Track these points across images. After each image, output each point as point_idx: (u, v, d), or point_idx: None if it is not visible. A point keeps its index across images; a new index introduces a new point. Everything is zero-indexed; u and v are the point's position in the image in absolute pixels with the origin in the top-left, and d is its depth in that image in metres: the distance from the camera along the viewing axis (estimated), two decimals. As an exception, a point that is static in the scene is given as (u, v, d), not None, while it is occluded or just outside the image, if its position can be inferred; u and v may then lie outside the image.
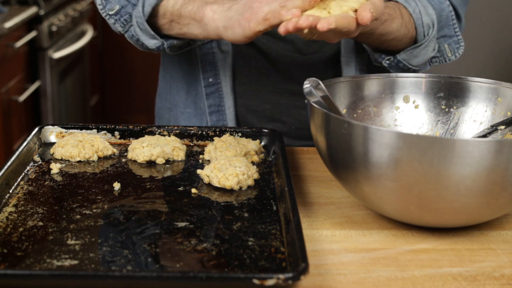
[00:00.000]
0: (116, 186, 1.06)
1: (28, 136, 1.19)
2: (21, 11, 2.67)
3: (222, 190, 1.06)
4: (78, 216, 0.96)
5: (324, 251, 0.92)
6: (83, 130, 1.24)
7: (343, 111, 1.12)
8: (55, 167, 1.12)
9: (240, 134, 1.24)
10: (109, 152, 1.18)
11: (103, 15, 1.30)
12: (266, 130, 1.23)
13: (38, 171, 1.11)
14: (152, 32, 1.24)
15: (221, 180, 1.06)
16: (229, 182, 1.05)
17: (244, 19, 1.06)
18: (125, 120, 3.97)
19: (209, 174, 1.07)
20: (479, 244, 0.95)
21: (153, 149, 1.15)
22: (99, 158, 1.17)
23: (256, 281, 0.78)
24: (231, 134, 1.23)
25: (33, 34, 2.75)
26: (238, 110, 1.40)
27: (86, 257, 0.85)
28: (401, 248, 0.94)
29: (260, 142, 1.22)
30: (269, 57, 1.36)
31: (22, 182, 1.07)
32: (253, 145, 1.18)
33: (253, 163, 1.15)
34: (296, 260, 0.82)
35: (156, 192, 1.05)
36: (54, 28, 2.91)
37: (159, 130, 1.24)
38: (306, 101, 1.03)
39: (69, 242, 0.89)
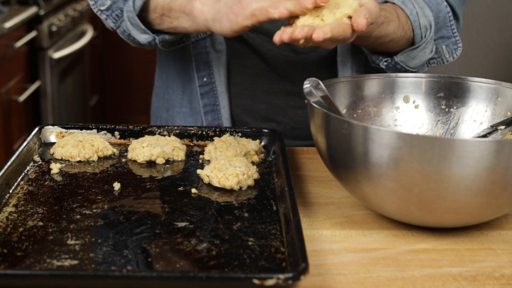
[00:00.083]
0: (116, 186, 1.06)
1: (28, 136, 1.19)
2: (21, 11, 2.67)
3: (222, 190, 1.06)
4: (78, 216, 0.96)
5: (324, 251, 0.92)
6: (83, 130, 1.24)
7: (343, 111, 1.12)
8: (55, 167, 1.12)
9: (240, 134, 1.24)
10: (109, 152, 1.18)
11: (95, 10, 1.31)
12: (266, 130, 1.23)
13: (38, 171, 1.11)
14: (143, 27, 1.24)
15: (221, 180, 1.06)
16: (229, 182, 1.05)
17: (232, 12, 1.06)
18: (125, 120, 3.97)
19: (209, 174, 1.07)
20: (479, 244, 0.95)
21: (153, 149, 1.15)
22: (99, 158, 1.17)
23: (256, 281, 0.78)
24: (231, 134, 1.23)
25: (33, 34, 2.75)
26: (233, 110, 1.40)
27: (86, 257, 0.85)
28: (401, 248, 0.94)
29: (260, 142, 1.22)
30: (264, 56, 1.36)
31: (22, 182, 1.07)
32: (253, 145, 1.18)
33: (253, 163, 1.15)
34: (296, 260, 0.82)
35: (156, 192, 1.05)
36: (54, 28, 2.91)
37: (159, 130, 1.24)
38: (306, 101, 1.03)
39: (69, 242, 0.89)
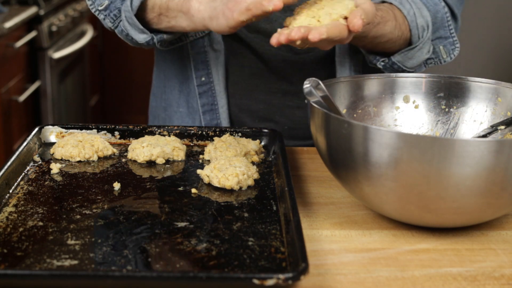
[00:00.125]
0: (116, 186, 1.06)
1: (28, 136, 1.19)
2: (21, 11, 2.67)
3: (222, 190, 1.06)
4: (78, 216, 0.96)
5: (324, 251, 0.92)
6: (83, 130, 1.24)
7: (343, 111, 1.12)
8: (55, 167, 1.12)
9: (240, 134, 1.23)
10: (109, 152, 1.18)
11: (93, 10, 1.31)
12: (266, 130, 1.23)
13: (38, 171, 1.11)
14: (141, 27, 1.24)
15: (221, 180, 1.05)
16: (229, 182, 1.05)
17: (227, 9, 1.07)
18: (125, 120, 3.97)
19: (209, 174, 1.07)
20: (479, 244, 0.95)
21: (153, 149, 1.15)
22: (99, 158, 1.17)
23: (256, 281, 0.78)
24: (231, 134, 1.23)
25: (33, 34, 2.75)
26: (231, 110, 1.40)
27: (86, 257, 0.85)
28: (401, 248, 0.94)
29: (260, 142, 1.22)
30: (262, 56, 1.36)
31: (22, 182, 1.07)
32: (253, 145, 1.18)
33: (253, 163, 1.15)
34: (296, 260, 0.82)
35: (156, 192, 1.05)
36: (54, 28, 2.91)
37: (159, 130, 1.24)
38: (306, 101, 1.03)
39: (69, 242, 0.89)
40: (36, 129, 1.22)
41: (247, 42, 1.36)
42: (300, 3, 1.09)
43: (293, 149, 1.28)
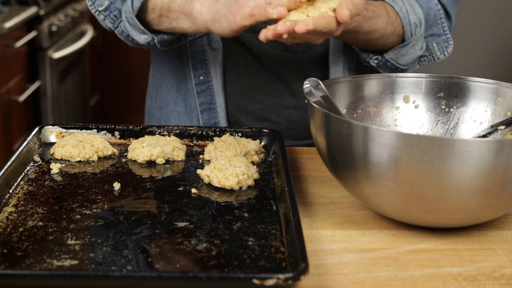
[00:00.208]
0: (116, 186, 1.06)
1: (28, 136, 1.19)
2: (21, 11, 2.67)
3: (222, 190, 1.06)
4: (78, 216, 0.96)
5: (324, 251, 0.92)
6: (83, 130, 1.24)
7: (343, 111, 1.12)
8: (55, 167, 1.12)
9: (240, 134, 1.24)
10: (109, 152, 1.18)
11: (93, 11, 1.31)
12: (266, 130, 1.23)
13: (38, 171, 1.11)
14: (142, 27, 1.24)
15: (221, 180, 1.05)
16: (229, 182, 1.05)
17: (230, 13, 1.07)
18: (125, 120, 3.97)
19: (209, 174, 1.07)
20: (479, 244, 0.95)
21: (153, 149, 1.15)
22: (99, 158, 1.17)
23: (256, 281, 0.78)
24: (231, 134, 1.23)
25: (33, 34, 2.75)
26: (228, 109, 1.40)
27: (86, 257, 0.85)
28: (401, 248, 0.94)
29: (260, 142, 1.22)
30: (259, 56, 1.36)
31: (22, 182, 1.07)
32: (253, 145, 1.18)
33: (253, 163, 1.15)
34: (296, 260, 0.82)
35: (156, 192, 1.05)
36: (54, 28, 2.91)
37: (159, 130, 1.24)
38: (306, 101, 1.03)
39: (69, 242, 0.89)
40: (36, 129, 1.22)
41: (243, 42, 1.36)
42: None
43: (293, 149, 1.28)
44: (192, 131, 1.25)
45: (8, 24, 2.48)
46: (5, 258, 0.85)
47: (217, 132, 1.24)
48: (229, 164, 1.08)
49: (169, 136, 1.23)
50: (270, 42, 1.34)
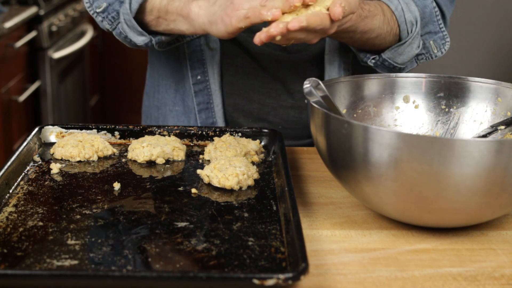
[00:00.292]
0: (116, 186, 1.06)
1: (28, 136, 1.19)
2: (21, 11, 2.67)
3: (222, 190, 1.06)
4: (78, 216, 0.96)
5: (324, 251, 0.92)
6: (83, 130, 1.24)
7: (343, 111, 1.12)
8: (55, 167, 1.12)
9: (240, 134, 1.24)
10: (109, 152, 1.18)
11: (91, 13, 1.31)
12: (266, 130, 1.23)
13: (38, 171, 1.11)
14: (140, 29, 1.24)
15: (221, 180, 1.05)
16: (229, 182, 1.05)
17: (226, 15, 1.07)
18: (125, 120, 3.97)
19: (209, 174, 1.07)
20: (479, 244, 0.95)
21: (153, 149, 1.15)
22: (99, 158, 1.17)
23: (256, 281, 0.78)
24: (231, 134, 1.23)
25: (33, 34, 2.75)
26: (225, 109, 1.40)
27: (86, 257, 0.85)
28: (401, 248, 0.94)
29: (260, 142, 1.22)
30: (255, 56, 1.36)
31: (22, 182, 1.07)
32: (253, 145, 1.18)
33: (253, 163, 1.15)
34: (296, 260, 0.82)
35: (156, 192, 1.05)
36: (54, 28, 2.91)
37: (159, 130, 1.24)
38: (306, 101, 1.03)
39: (69, 242, 0.89)
40: (36, 129, 1.22)
41: (240, 42, 1.36)
42: None
43: (293, 149, 1.28)
44: (192, 131, 1.25)
45: (8, 24, 2.48)
46: (5, 258, 0.85)
47: (217, 132, 1.24)
48: (229, 164, 1.08)
49: (169, 136, 1.23)
50: (267, 43, 1.34)
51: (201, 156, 1.19)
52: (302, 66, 1.37)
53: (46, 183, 1.07)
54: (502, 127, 1.09)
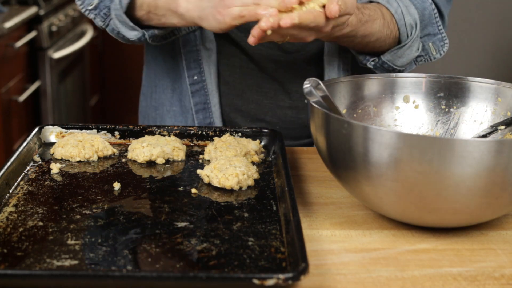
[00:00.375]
0: (116, 186, 1.06)
1: (28, 136, 1.19)
2: (21, 11, 2.67)
3: (222, 190, 1.06)
4: (78, 216, 0.96)
5: (324, 251, 0.92)
6: (83, 130, 1.24)
7: (343, 111, 1.12)
8: (55, 167, 1.12)
9: (240, 134, 1.24)
10: (109, 152, 1.18)
11: (82, 10, 1.31)
12: (266, 130, 1.23)
13: (38, 171, 1.11)
14: (131, 24, 1.24)
15: (221, 180, 1.05)
16: (229, 182, 1.05)
17: (218, 12, 1.07)
18: (125, 120, 3.97)
19: (209, 174, 1.07)
20: (479, 244, 0.95)
21: (153, 149, 1.15)
22: (99, 158, 1.17)
23: (256, 281, 0.78)
24: (231, 134, 1.23)
25: (33, 34, 2.75)
26: (223, 109, 1.40)
27: (86, 257, 0.85)
28: (401, 248, 0.94)
29: (260, 142, 1.22)
30: (253, 56, 1.36)
31: (22, 182, 1.06)
32: (253, 145, 1.18)
33: (253, 163, 1.15)
34: (296, 260, 0.82)
35: (156, 192, 1.05)
36: (54, 28, 2.91)
37: (159, 130, 1.24)
38: (306, 101, 1.03)
39: (69, 242, 0.89)
40: (36, 129, 1.22)
41: (237, 42, 1.35)
42: None
43: (293, 149, 1.28)
44: (192, 131, 1.25)
45: (8, 24, 2.48)
46: (5, 258, 0.85)
47: (217, 132, 1.24)
48: (229, 164, 1.08)
49: (169, 136, 1.23)
50: (264, 42, 1.34)
51: (201, 156, 1.19)
52: (300, 66, 1.37)
53: (46, 183, 1.07)
54: (502, 127, 1.09)
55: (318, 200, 1.07)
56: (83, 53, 3.39)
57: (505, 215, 1.03)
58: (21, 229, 0.92)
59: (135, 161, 1.16)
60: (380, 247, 0.94)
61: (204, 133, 1.24)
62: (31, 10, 2.74)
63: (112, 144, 1.23)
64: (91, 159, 1.16)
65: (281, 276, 0.77)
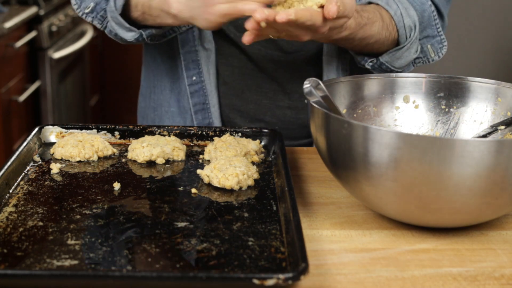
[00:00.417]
0: (116, 186, 1.06)
1: (28, 136, 1.19)
2: (21, 11, 2.67)
3: (222, 190, 1.06)
4: (78, 216, 0.96)
5: (324, 251, 0.92)
6: (83, 130, 1.24)
7: (343, 111, 1.12)
8: (55, 167, 1.12)
9: (240, 134, 1.24)
10: (109, 152, 1.18)
11: (80, 14, 1.32)
12: (266, 130, 1.23)
13: (38, 171, 1.11)
14: (127, 25, 1.25)
15: (221, 180, 1.05)
16: (229, 182, 1.05)
17: (205, 12, 1.08)
18: (125, 120, 3.97)
19: (209, 174, 1.07)
20: (479, 244, 0.95)
21: (153, 149, 1.15)
22: (99, 158, 1.17)
23: (256, 281, 0.78)
24: (231, 134, 1.23)
25: (33, 34, 2.75)
26: (222, 109, 1.40)
27: (86, 257, 0.85)
28: (401, 248, 0.94)
29: (260, 142, 1.22)
30: (251, 56, 1.36)
31: (22, 182, 1.06)
32: (253, 145, 1.18)
33: (253, 163, 1.15)
34: (296, 260, 0.82)
35: (156, 192, 1.05)
36: (54, 28, 2.91)
37: (159, 130, 1.24)
38: (306, 101, 1.03)
39: (69, 242, 0.89)
40: (36, 129, 1.22)
41: (236, 42, 1.35)
42: None
43: (293, 149, 1.28)
44: (192, 131, 1.25)
45: (8, 24, 2.48)
46: (5, 258, 0.85)
47: (217, 132, 1.24)
48: (229, 164, 1.08)
49: (169, 136, 1.23)
50: (263, 42, 1.34)
51: (201, 156, 1.19)
52: (299, 67, 1.37)
53: (46, 183, 1.07)
54: (502, 127, 1.09)
55: (318, 200, 1.07)
56: (83, 53, 3.39)
57: (505, 215, 1.03)
58: (21, 229, 0.92)
59: (135, 161, 1.16)
60: (380, 247, 0.94)
61: (204, 133, 1.24)
62: (31, 10, 2.74)
63: (112, 144, 1.23)
64: (91, 159, 1.16)
65: (281, 276, 0.77)
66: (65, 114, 3.13)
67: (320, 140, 1.00)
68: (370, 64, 1.27)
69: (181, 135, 1.24)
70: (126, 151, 1.20)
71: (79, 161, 1.15)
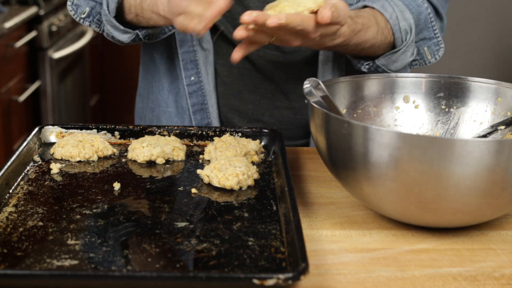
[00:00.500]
0: (116, 186, 1.06)
1: (28, 136, 1.19)
2: (21, 11, 2.67)
3: (222, 190, 1.06)
4: (78, 216, 0.96)
5: (324, 251, 0.92)
6: (83, 130, 1.24)
7: (343, 111, 1.12)
8: (55, 167, 1.12)
9: (240, 134, 1.24)
10: (109, 152, 1.18)
11: (77, 19, 1.33)
12: (266, 130, 1.23)
13: (38, 171, 1.11)
14: (122, 27, 1.25)
15: (221, 180, 1.05)
16: (229, 182, 1.05)
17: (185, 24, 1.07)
18: (125, 120, 3.97)
19: (209, 174, 1.07)
20: (479, 244, 0.95)
21: (153, 149, 1.15)
22: (99, 158, 1.17)
23: (256, 281, 0.78)
24: (231, 134, 1.23)
25: (33, 34, 2.75)
26: (220, 109, 1.40)
27: (86, 257, 0.85)
28: (401, 248, 0.94)
29: (260, 142, 1.22)
30: (249, 57, 1.36)
31: (22, 182, 1.07)
32: (253, 145, 1.18)
33: (253, 163, 1.15)
34: (296, 260, 0.82)
35: (156, 192, 1.05)
36: (54, 28, 2.91)
37: (159, 130, 1.24)
38: (306, 101, 1.03)
39: (69, 242, 0.89)
40: (36, 129, 1.22)
41: (234, 43, 1.35)
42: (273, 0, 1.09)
43: (293, 149, 1.28)
44: (192, 131, 1.25)
45: (8, 24, 2.48)
46: (5, 258, 0.85)
47: (217, 132, 1.24)
48: (229, 164, 1.08)
49: (169, 136, 1.23)
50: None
51: (201, 156, 1.19)
52: (296, 67, 1.37)
53: (46, 183, 1.07)
54: (502, 127, 1.09)
55: (318, 200, 1.07)
56: (83, 53, 3.39)
57: (505, 215, 1.03)
58: (21, 229, 0.92)
59: (135, 161, 1.16)
60: (380, 247, 0.94)
61: (204, 133, 1.24)
62: (31, 10, 2.74)
63: (112, 144, 1.23)
64: (91, 159, 1.16)
65: (281, 276, 0.77)
66: (65, 114, 3.13)
67: (320, 140, 1.00)
68: (367, 67, 1.27)
69: (181, 135, 1.24)
70: (126, 151, 1.20)
71: (79, 161, 1.15)
